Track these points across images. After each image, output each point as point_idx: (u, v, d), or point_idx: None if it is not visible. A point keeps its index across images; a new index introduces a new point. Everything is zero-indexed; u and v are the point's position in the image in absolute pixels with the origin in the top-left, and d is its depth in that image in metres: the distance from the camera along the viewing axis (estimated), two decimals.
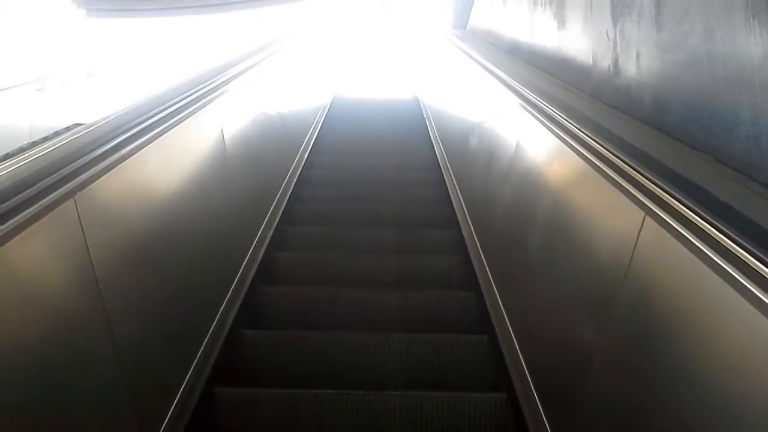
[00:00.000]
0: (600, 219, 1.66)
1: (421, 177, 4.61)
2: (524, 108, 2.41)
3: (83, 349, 1.27)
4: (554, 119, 2.05)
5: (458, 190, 3.84)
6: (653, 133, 1.64)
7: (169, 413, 1.69)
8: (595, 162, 1.61)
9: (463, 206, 3.54)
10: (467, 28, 5.16)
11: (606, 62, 2.05)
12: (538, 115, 2.22)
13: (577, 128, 1.81)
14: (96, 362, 1.33)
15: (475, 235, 3.09)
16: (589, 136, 1.71)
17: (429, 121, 5.96)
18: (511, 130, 2.75)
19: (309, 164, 4.65)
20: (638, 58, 1.83)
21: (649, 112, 1.72)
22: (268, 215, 3.28)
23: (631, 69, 1.87)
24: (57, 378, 1.16)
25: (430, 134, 5.63)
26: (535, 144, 2.30)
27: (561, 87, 2.43)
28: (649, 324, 1.22)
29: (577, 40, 2.38)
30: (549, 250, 2.00)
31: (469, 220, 3.34)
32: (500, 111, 3.01)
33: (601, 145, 1.60)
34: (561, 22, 2.57)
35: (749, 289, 0.91)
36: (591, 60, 2.20)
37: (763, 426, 0.86)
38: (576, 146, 1.79)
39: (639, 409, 1.24)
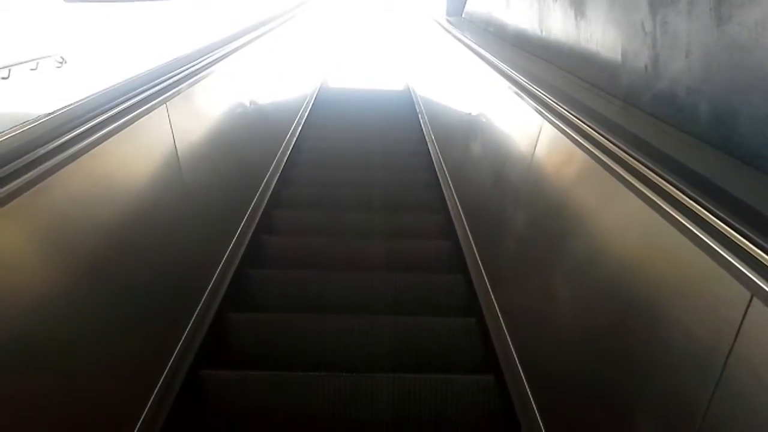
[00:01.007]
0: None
1: (411, 163, 4.51)
2: (537, 111, 2.05)
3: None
4: (567, 118, 1.71)
5: (451, 186, 3.58)
6: (715, 155, 1.29)
7: (153, 395, 1.66)
8: (637, 185, 1.26)
9: (454, 192, 3.41)
10: (463, 15, 4.78)
11: (641, 61, 1.70)
12: (551, 117, 1.87)
13: (609, 140, 1.46)
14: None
15: (464, 221, 3.00)
16: (624, 150, 1.36)
17: (422, 115, 5.58)
18: (519, 136, 2.40)
19: (297, 149, 4.50)
20: (688, 57, 1.47)
21: (707, 127, 1.37)
22: (255, 198, 3.22)
23: (677, 71, 1.52)
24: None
25: (423, 127, 5.27)
26: (557, 156, 1.94)
27: (577, 84, 2.09)
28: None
29: (600, 33, 2.02)
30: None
31: (459, 205, 3.22)
32: (502, 107, 2.68)
33: (648, 166, 1.25)
34: (579, 10, 2.21)
35: None
36: (620, 57, 1.85)
37: None
38: (603, 158, 1.44)
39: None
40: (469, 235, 2.87)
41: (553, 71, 2.39)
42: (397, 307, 2.56)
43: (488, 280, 2.42)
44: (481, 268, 2.53)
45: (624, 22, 1.83)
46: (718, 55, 1.36)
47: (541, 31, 2.70)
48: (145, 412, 1.60)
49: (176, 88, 1.91)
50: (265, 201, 3.37)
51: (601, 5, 2.01)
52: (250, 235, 2.90)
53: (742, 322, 0.82)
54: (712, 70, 1.38)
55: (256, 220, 3.08)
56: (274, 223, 3.31)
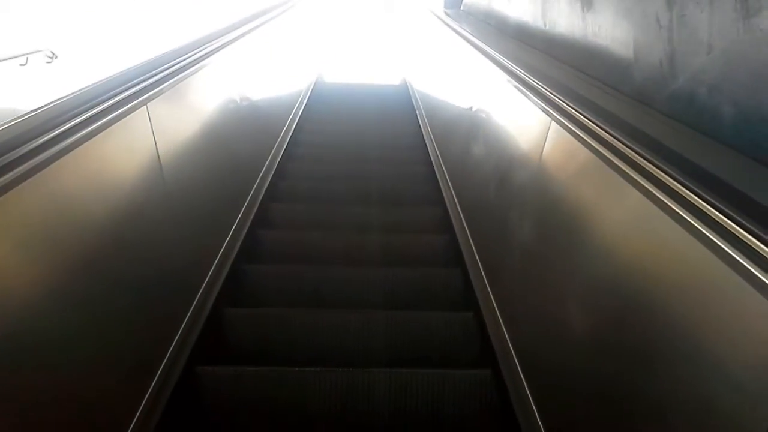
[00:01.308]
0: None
1: (409, 158, 4.41)
2: (543, 109, 1.93)
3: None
4: (576, 118, 1.60)
5: (449, 180, 3.51)
6: (742, 161, 1.18)
7: (149, 391, 1.65)
8: (649, 189, 1.15)
9: (451, 188, 3.33)
10: (462, 6, 4.65)
11: (656, 57, 1.58)
12: (559, 116, 1.76)
13: (619, 140, 1.35)
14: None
15: (462, 216, 2.97)
16: (633, 149, 1.25)
17: (419, 111, 5.45)
18: (521, 133, 2.28)
19: (291, 146, 4.40)
20: (710, 53, 1.36)
21: (732, 131, 1.26)
22: (252, 191, 3.19)
23: (697, 68, 1.40)
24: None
25: (420, 122, 5.15)
26: (562, 155, 1.83)
27: (584, 81, 1.97)
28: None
29: (609, 26, 1.90)
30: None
31: (456, 200, 3.15)
32: (503, 104, 2.57)
33: (664, 171, 1.14)
34: (586, 1, 2.09)
35: None
36: (632, 53, 1.73)
37: None
38: (614, 159, 1.33)
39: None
40: (467, 230, 2.84)
41: (557, 67, 2.28)
42: (394, 301, 2.53)
43: (485, 275, 2.40)
44: (479, 262, 2.51)
45: (636, 15, 1.71)
46: (745, 51, 1.24)
47: (545, 24, 2.58)
48: (141, 407, 1.59)
49: (158, 88, 1.78)
50: (260, 198, 3.28)
51: None
52: (245, 230, 2.87)
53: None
54: (738, 68, 1.26)
55: (251, 217, 3.01)
56: (270, 218, 3.23)
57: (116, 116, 1.51)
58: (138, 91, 1.63)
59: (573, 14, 2.21)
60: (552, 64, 2.34)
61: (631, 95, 1.70)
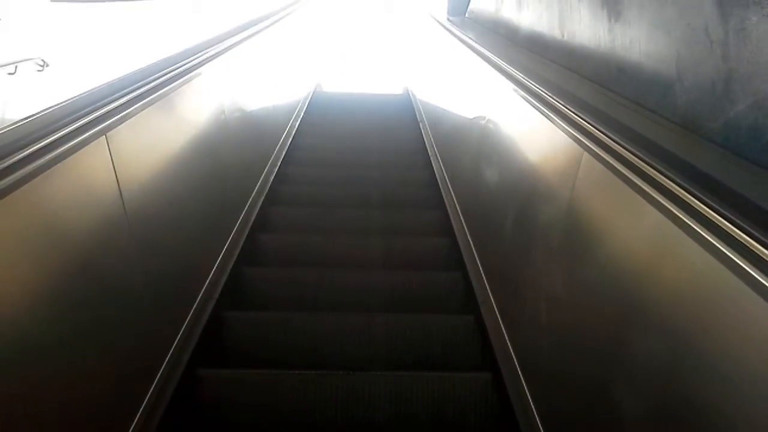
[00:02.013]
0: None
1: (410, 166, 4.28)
2: (568, 133, 1.70)
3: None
4: (604, 141, 1.39)
5: (453, 194, 3.35)
6: None
7: (149, 394, 1.66)
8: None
9: (454, 199, 3.24)
10: (467, 14, 4.42)
11: (706, 77, 1.34)
12: (589, 144, 1.53)
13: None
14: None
15: (467, 229, 2.91)
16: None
17: (423, 123, 5.21)
18: (532, 147, 2.05)
19: (286, 163, 4.17)
20: None
21: None
22: (252, 196, 3.21)
23: (765, 94, 1.16)
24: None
25: (423, 135, 4.92)
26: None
27: (611, 98, 1.73)
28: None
29: (644, 39, 1.66)
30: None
31: (462, 218, 3.03)
32: (513, 118, 2.39)
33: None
34: (614, 10, 1.85)
35: None
36: (674, 70, 1.49)
37: None
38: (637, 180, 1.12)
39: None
40: (468, 237, 2.78)
41: (579, 81, 2.04)
42: (396, 304, 2.53)
43: (486, 279, 2.39)
44: (480, 267, 2.49)
45: (679, 27, 1.46)
46: None
47: (563, 35, 2.34)
48: (141, 410, 1.60)
49: (121, 114, 1.54)
50: (251, 222, 3.05)
51: (645, 5, 1.65)
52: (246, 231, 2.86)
53: None
54: None
55: (238, 251, 2.75)
56: (259, 254, 2.97)
57: (65, 151, 1.26)
58: (96, 119, 1.38)
59: (597, 25, 1.97)
60: (571, 78, 2.12)
61: (672, 119, 1.46)
